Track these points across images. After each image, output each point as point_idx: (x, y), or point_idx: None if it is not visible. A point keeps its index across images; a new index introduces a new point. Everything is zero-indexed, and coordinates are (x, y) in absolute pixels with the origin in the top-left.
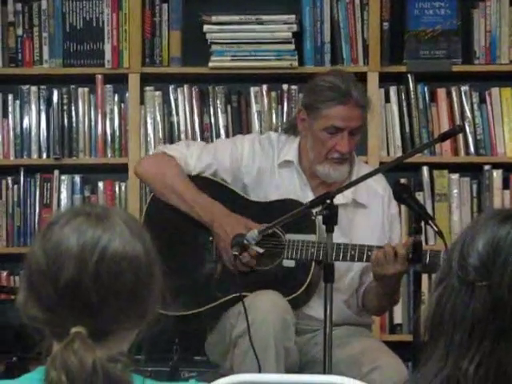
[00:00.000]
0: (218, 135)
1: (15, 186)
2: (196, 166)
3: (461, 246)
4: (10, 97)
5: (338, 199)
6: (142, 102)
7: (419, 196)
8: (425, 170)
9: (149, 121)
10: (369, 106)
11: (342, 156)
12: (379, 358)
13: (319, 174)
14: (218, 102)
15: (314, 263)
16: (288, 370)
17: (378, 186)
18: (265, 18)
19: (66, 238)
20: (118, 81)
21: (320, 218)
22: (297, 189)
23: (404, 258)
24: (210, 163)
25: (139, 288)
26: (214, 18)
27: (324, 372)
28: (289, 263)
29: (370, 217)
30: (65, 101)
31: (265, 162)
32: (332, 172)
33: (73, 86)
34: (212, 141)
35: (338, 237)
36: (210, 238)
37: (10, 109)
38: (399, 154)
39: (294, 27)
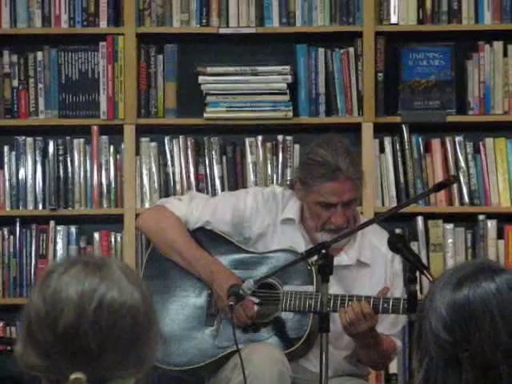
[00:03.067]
0: (213, 186)
1: (11, 237)
2: (196, 224)
3: (428, 323)
4: (6, 148)
5: (343, 260)
6: (138, 153)
7: (414, 246)
8: (419, 220)
9: (144, 172)
10: (361, 176)
11: (338, 227)
12: None
13: (318, 240)
14: (213, 152)
15: (312, 315)
16: None
17: (382, 245)
18: (260, 69)
19: (64, 286)
20: (114, 132)
21: (316, 268)
22: (301, 246)
23: (371, 315)
24: (208, 221)
25: (137, 335)
26: (208, 69)
27: None
28: (287, 315)
29: (373, 276)
30: (60, 152)
31: (267, 218)
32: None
33: (68, 137)
34: (207, 192)
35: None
36: (209, 291)
37: (5, 160)
38: (394, 204)
39: (289, 78)
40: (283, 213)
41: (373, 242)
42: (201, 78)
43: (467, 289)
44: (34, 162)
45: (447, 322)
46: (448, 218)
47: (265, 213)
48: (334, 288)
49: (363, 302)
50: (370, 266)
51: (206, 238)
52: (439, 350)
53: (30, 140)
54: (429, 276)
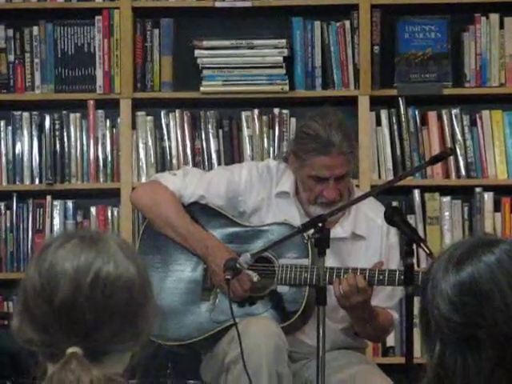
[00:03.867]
0: (210, 160)
1: (8, 212)
2: (190, 198)
3: (436, 309)
4: (2, 123)
5: (338, 233)
6: (134, 127)
7: (411, 219)
8: (416, 193)
9: (140, 145)
10: (354, 150)
11: (330, 201)
12: (371, 380)
13: (311, 213)
14: (210, 126)
15: (308, 288)
16: None
17: (377, 217)
18: (256, 42)
19: (60, 260)
20: (110, 106)
21: (312, 241)
22: (296, 219)
23: (365, 289)
24: (202, 195)
25: (133, 308)
26: (205, 43)
27: None
28: (283, 288)
29: (369, 248)
30: (57, 126)
31: (262, 191)
32: (322, 213)
33: (64, 112)
34: (203, 165)
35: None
36: (204, 266)
37: (2, 135)
38: (390, 177)
39: (285, 52)
40: (278, 186)
41: (368, 215)
42: (197, 52)
43: (470, 267)
44: (31, 137)
45: (457, 303)
46: (445, 190)
47: (259, 187)
48: (329, 261)
49: (358, 276)
50: (365, 238)
51: (200, 212)
52: (454, 333)
53: (26, 115)
54: (425, 249)
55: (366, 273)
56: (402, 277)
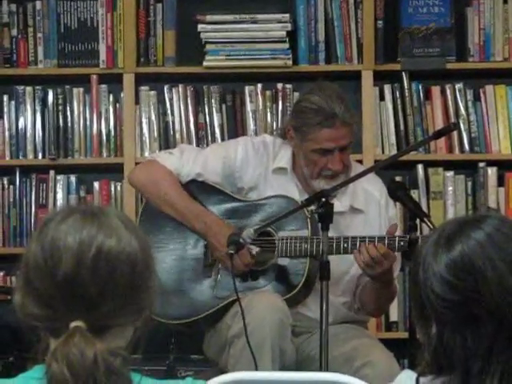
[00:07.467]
0: (213, 134)
1: (11, 187)
2: (188, 176)
3: (431, 291)
4: (5, 97)
5: (336, 207)
6: (137, 102)
7: (414, 194)
8: (419, 167)
9: (144, 120)
10: (356, 119)
11: (335, 172)
12: (371, 353)
13: (314, 188)
14: (213, 101)
15: (309, 259)
16: (284, 371)
17: (375, 190)
18: (259, 17)
19: (62, 235)
20: (113, 81)
21: (316, 216)
22: (294, 195)
23: (388, 254)
24: (199, 173)
25: (136, 282)
26: (208, 18)
27: (320, 369)
28: (284, 261)
29: (368, 221)
30: (60, 101)
31: (259, 167)
32: (326, 187)
33: (68, 87)
34: (207, 140)
35: None
36: (205, 243)
37: (5, 109)
38: (394, 151)
39: (289, 26)
40: (275, 162)
41: (366, 188)
42: (200, 27)
43: (460, 245)
44: (34, 112)
45: (452, 282)
46: (448, 165)
47: (256, 162)
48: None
49: (380, 245)
50: (363, 211)
51: (198, 189)
52: (451, 313)
53: (29, 89)
54: (429, 224)
55: (365, 240)
56: (402, 243)
